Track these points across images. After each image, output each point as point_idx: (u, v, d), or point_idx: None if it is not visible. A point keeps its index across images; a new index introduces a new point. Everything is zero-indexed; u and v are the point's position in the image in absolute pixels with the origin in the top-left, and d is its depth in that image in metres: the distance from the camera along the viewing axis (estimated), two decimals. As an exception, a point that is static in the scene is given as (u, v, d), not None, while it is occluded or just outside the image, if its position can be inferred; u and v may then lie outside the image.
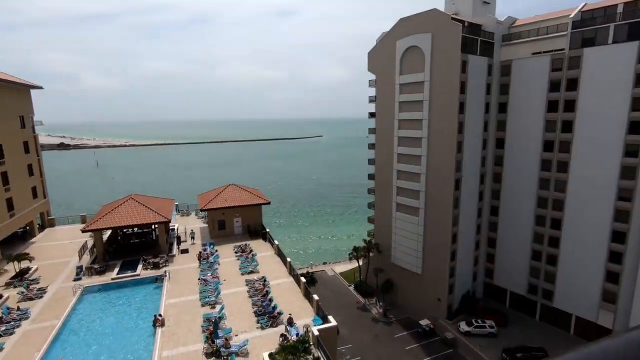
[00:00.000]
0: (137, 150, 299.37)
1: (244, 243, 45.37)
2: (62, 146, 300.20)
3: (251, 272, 37.70)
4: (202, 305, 31.36)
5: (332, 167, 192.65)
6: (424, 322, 52.76)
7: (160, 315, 29.34)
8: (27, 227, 49.67)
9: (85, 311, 31.91)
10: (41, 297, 33.49)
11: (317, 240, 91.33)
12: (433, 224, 53.62)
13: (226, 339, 25.72)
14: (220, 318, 28.56)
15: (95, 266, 38.42)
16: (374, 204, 65.63)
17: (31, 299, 33.06)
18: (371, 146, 64.96)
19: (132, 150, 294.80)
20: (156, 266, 39.00)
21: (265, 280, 35.04)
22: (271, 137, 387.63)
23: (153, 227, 46.04)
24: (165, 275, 36.83)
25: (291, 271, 37.23)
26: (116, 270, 38.27)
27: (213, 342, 25.43)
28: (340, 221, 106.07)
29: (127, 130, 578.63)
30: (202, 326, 28.02)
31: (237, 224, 49.50)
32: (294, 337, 25.45)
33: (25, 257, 38.35)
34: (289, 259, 38.49)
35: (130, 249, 44.01)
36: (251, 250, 43.14)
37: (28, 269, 38.49)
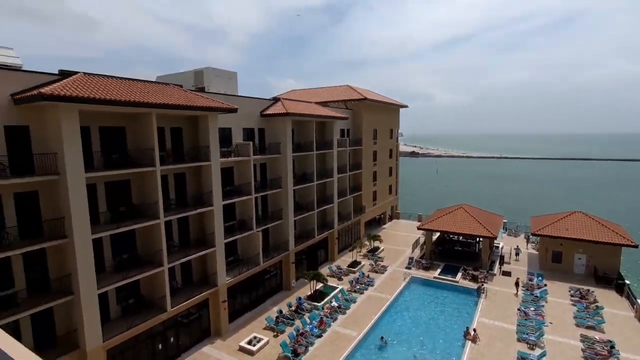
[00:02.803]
0: (471, 161, 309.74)
1: (585, 288, 36.21)
2: (412, 154, 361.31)
3: (591, 327, 29.51)
4: (518, 340, 27.99)
5: None
6: None
7: (474, 330, 28.97)
8: (381, 216, 63.67)
9: (409, 297, 36.97)
10: (383, 272, 42.08)
11: None
12: None
13: (543, 394, 21.62)
14: (539, 365, 24.33)
15: (423, 261, 43.55)
16: None
17: (376, 272, 42.27)
18: None
19: (467, 161, 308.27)
20: (474, 279, 38.84)
21: (613, 347, 26.30)
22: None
23: (477, 239, 46.09)
24: (483, 292, 35.90)
25: (663, 352, 25.78)
26: (438, 270, 41.61)
27: (526, 388, 22.12)
28: None
29: (468, 142, 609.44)
30: (515, 363, 25.08)
31: (580, 261, 40.18)
32: None
33: (377, 238, 49.34)
34: (660, 334, 26.85)
35: (453, 254, 46.36)
36: (595, 301, 33.73)
37: (377, 247, 49.43)
